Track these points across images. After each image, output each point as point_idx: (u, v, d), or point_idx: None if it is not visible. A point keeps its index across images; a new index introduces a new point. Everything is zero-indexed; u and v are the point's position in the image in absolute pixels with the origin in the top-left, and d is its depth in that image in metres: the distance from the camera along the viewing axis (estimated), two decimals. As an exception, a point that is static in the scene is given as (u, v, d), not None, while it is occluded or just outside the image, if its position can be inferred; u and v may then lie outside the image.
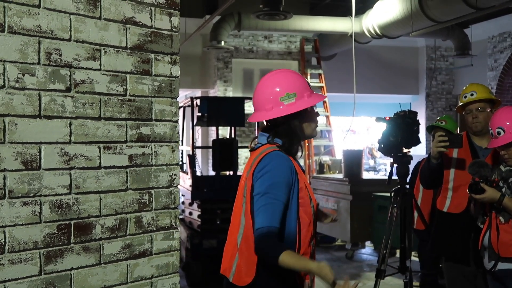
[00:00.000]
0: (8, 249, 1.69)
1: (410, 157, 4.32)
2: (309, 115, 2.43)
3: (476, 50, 11.84)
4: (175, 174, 2.10)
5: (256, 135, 2.55)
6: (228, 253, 2.44)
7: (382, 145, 4.38)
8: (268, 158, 2.30)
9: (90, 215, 1.88)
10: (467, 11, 7.99)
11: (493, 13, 9.79)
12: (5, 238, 1.68)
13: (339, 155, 11.55)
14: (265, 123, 2.47)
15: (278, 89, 2.35)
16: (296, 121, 2.38)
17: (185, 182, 7.44)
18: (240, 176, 2.53)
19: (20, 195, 1.71)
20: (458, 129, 5.35)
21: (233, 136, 7.62)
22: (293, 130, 2.38)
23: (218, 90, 11.55)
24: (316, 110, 2.50)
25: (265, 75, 2.48)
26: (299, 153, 2.45)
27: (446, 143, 3.55)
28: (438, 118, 5.43)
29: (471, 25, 11.65)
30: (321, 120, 12.68)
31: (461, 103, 3.80)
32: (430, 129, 5.36)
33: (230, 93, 11.64)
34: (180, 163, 8.17)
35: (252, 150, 2.48)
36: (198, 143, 9.13)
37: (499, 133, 3.18)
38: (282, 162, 2.30)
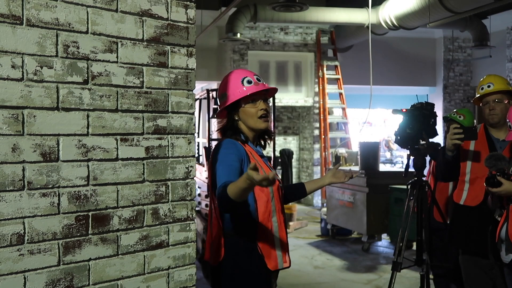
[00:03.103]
0: (28, 240, 1.71)
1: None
2: (245, 110, 2.64)
3: (494, 41, 11.71)
4: (191, 166, 2.11)
5: None
6: (208, 240, 2.73)
7: (398, 137, 4.36)
8: (216, 145, 2.63)
9: (107, 207, 1.89)
10: (486, 1, 7.90)
11: (512, 3, 9.65)
12: (24, 229, 1.71)
13: (355, 148, 11.52)
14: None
15: (220, 90, 2.71)
16: (234, 117, 2.66)
17: (201, 174, 7.47)
18: None
19: (39, 186, 1.73)
20: (475, 122, 5.29)
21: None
22: (230, 123, 2.67)
23: (234, 82, 11.54)
24: (264, 102, 2.66)
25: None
26: (264, 143, 2.78)
27: (461, 135, 3.52)
28: (456, 110, 5.37)
29: (489, 16, 11.52)
30: (337, 112, 12.65)
31: (478, 95, 3.77)
32: (445, 120, 5.31)
33: (246, 85, 11.62)
34: (196, 155, 8.20)
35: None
36: (214, 135, 9.15)
37: None
38: (227, 142, 2.58)
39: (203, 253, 7.13)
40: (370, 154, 8.34)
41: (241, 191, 2.21)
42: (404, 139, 4.31)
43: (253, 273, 2.57)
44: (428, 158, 4.44)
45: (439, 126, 10.95)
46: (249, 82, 2.62)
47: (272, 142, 8.13)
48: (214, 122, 8.92)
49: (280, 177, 11.14)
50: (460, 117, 5.16)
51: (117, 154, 1.92)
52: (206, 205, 7.25)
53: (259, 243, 2.57)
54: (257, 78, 2.65)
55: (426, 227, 4.32)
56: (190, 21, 2.10)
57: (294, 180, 13.35)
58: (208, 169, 2.65)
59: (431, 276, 5.50)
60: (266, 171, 2.60)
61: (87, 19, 1.84)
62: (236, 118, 2.66)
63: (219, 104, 2.72)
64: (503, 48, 11.98)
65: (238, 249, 2.56)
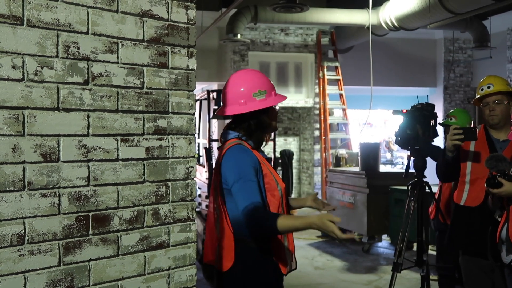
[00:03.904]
0: (28, 240, 1.71)
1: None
2: (273, 111, 2.68)
3: (495, 42, 11.71)
4: (191, 167, 2.11)
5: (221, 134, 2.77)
6: (209, 245, 2.71)
7: (399, 138, 4.36)
8: (229, 151, 2.53)
9: (108, 207, 1.89)
10: (486, 2, 7.90)
11: (513, 4, 9.65)
12: (25, 229, 1.71)
13: (355, 148, 11.51)
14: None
15: (251, 86, 2.57)
16: (265, 116, 2.62)
17: (201, 175, 7.47)
18: None
19: (39, 187, 1.73)
20: (472, 122, 5.29)
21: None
22: (262, 124, 2.62)
23: (234, 83, 11.55)
24: (277, 109, 2.75)
25: (235, 73, 2.70)
26: (263, 143, 2.72)
27: (461, 136, 3.53)
28: (448, 113, 5.36)
29: (490, 17, 11.52)
30: (337, 113, 12.65)
31: (478, 96, 3.77)
32: (442, 125, 5.31)
33: (246, 86, 11.62)
34: (197, 156, 8.20)
35: (218, 147, 2.73)
36: (215, 136, 9.16)
37: None
38: (243, 151, 2.53)
39: (203, 254, 7.11)
40: (370, 155, 8.34)
41: (296, 230, 2.37)
42: (405, 140, 4.32)
43: (268, 278, 2.56)
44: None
45: (440, 127, 10.95)
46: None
47: (272, 143, 8.13)
48: (214, 122, 8.92)
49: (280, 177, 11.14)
50: (451, 119, 5.16)
51: (118, 155, 1.92)
52: (206, 206, 7.25)
53: (273, 248, 2.57)
54: None
55: (427, 228, 4.32)
56: (190, 22, 2.10)
57: (295, 181, 13.34)
58: (216, 172, 2.60)
59: (435, 277, 5.51)
60: (275, 175, 2.61)
61: (88, 19, 1.84)
62: (266, 118, 2.63)
63: (252, 99, 2.56)
64: (504, 49, 11.97)
65: (252, 254, 2.53)
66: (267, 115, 2.63)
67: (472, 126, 5.01)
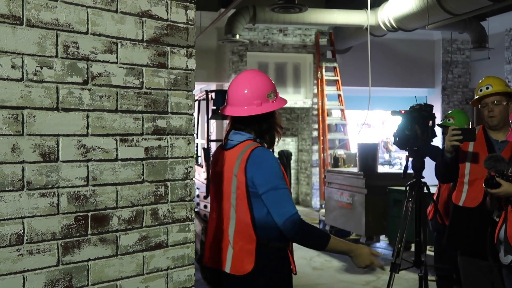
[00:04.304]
0: (27, 240, 1.71)
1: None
2: (279, 117, 2.71)
3: (493, 43, 11.73)
4: (190, 167, 2.11)
5: (226, 134, 2.74)
6: (215, 247, 2.64)
7: (397, 139, 4.37)
8: (258, 155, 2.51)
9: (107, 207, 1.89)
10: (484, 3, 7.92)
11: (511, 5, 9.67)
12: (24, 229, 1.71)
13: (354, 149, 11.52)
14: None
15: (264, 87, 2.59)
16: (274, 117, 2.65)
17: (200, 176, 7.47)
18: None
19: (38, 186, 1.73)
20: (470, 123, 5.30)
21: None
22: (274, 124, 2.65)
23: (233, 84, 11.55)
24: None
25: (244, 74, 2.70)
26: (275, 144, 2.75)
27: (460, 136, 3.54)
28: (446, 114, 5.37)
29: (488, 18, 11.54)
30: (336, 113, 12.66)
31: (477, 97, 3.78)
32: (440, 126, 5.32)
33: (244, 87, 11.62)
34: (195, 156, 8.20)
35: (225, 148, 2.68)
36: (213, 136, 9.16)
37: None
38: (271, 155, 2.55)
39: (202, 254, 7.12)
40: (368, 155, 8.35)
41: (339, 251, 2.56)
42: (403, 141, 4.32)
43: (286, 277, 2.61)
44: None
45: (438, 128, 10.93)
46: None
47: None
48: (213, 123, 8.93)
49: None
50: (449, 120, 5.17)
51: (117, 155, 1.92)
52: (205, 206, 7.25)
53: (288, 248, 2.62)
54: None
55: (425, 228, 4.33)
56: (190, 22, 2.10)
57: (293, 182, 13.35)
58: (243, 174, 2.52)
59: (433, 278, 5.51)
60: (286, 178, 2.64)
61: (87, 19, 1.84)
62: (275, 119, 2.67)
63: (266, 100, 2.59)
64: (502, 50, 11.99)
65: (272, 256, 2.55)
66: (275, 117, 2.66)
67: (470, 127, 5.02)
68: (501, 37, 12.03)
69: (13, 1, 1.67)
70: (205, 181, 6.89)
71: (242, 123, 2.65)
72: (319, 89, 12.32)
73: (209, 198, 7.06)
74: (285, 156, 12.70)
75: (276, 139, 2.70)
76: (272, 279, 2.54)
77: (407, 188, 4.46)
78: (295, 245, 2.66)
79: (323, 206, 9.97)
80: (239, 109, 2.60)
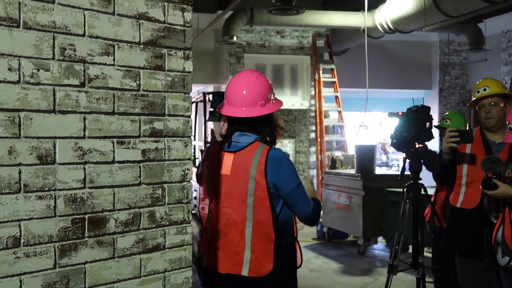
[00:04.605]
0: (24, 243, 1.71)
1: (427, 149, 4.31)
2: (278, 118, 2.77)
3: (490, 44, 11.74)
4: (187, 169, 2.11)
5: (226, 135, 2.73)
6: (229, 252, 2.60)
7: (394, 140, 4.37)
8: (275, 155, 2.56)
9: (104, 209, 1.89)
10: (481, 5, 7.92)
11: (508, 7, 9.71)
12: (20, 231, 1.70)
13: (351, 151, 11.52)
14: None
15: (265, 88, 2.62)
16: (276, 118, 2.71)
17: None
18: None
19: (35, 189, 1.73)
20: (467, 124, 5.30)
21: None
22: (277, 125, 2.71)
23: (230, 85, 11.54)
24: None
25: (243, 74, 2.69)
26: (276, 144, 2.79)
27: (457, 138, 3.54)
28: (443, 116, 5.38)
29: (485, 19, 11.56)
30: (333, 115, 12.67)
31: (474, 98, 3.78)
32: (437, 128, 5.32)
33: (242, 88, 11.61)
34: (193, 158, 8.19)
35: (229, 150, 2.65)
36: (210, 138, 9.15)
37: None
38: (286, 154, 2.63)
39: (199, 256, 7.09)
40: (366, 157, 8.35)
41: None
42: (400, 142, 4.33)
43: (296, 270, 2.73)
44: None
45: (435, 130, 10.90)
46: None
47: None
48: (210, 125, 8.92)
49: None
50: (446, 121, 5.18)
51: (114, 157, 1.92)
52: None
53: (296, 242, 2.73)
54: None
55: (422, 230, 4.33)
56: (187, 24, 2.10)
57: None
58: (263, 176, 2.54)
59: (430, 280, 5.52)
60: None
61: (84, 22, 1.84)
62: (276, 120, 2.71)
63: (269, 100, 2.63)
64: (498, 51, 12.02)
65: (288, 252, 2.64)
66: (275, 116, 2.71)
67: (467, 128, 5.02)
68: (497, 38, 12.05)
69: (10, 3, 1.67)
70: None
71: (244, 124, 2.63)
72: (317, 90, 12.32)
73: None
74: (282, 157, 12.67)
75: (277, 140, 2.75)
76: (291, 274, 2.64)
77: (405, 189, 4.46)
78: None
79: (321, 207, 9.97)
80: (243, 109, 2.58)
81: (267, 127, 2.65)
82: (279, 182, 2.53)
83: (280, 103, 2.67)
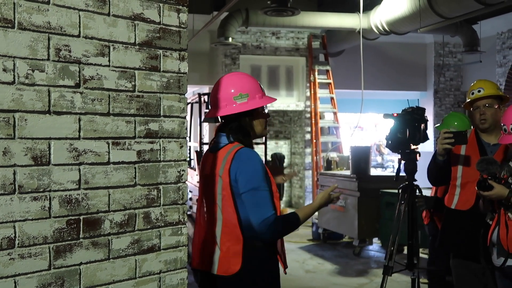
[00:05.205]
0: (18, 244, 1.70)
1: (418, 154, 4.32)
2: (260, 114, 2.68)
3: (484, 46, 11.78)
4: (183, 170, 2.11)
5: (214, 136, 2.77)
6: (201, 248, 2.66)
7: (389, 142, 4.38)
8: (242, 155, 2.53)
9: (99, 211, 1.89)
10: (476, 7, 7.95)
11: (502, 9, 9.74)
12: (15, 232, 1.70)
13: (346, 152, 11.53)
14: (219, 120, 2.75)
15: (233, 89, 2.59)
16: (246, 119, 2.63)
17: (192, 179, 7.46)
18: None
19: (29, 190, 1.72)
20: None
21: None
22: (243, 126, 2.62)
23: (225, 87, 11.53)
24: (267, 112, 2.75)
25: (222, 76, 2.72)
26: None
27: (451, 140, 3.55)
28: (447, 120, 5.31)
29: (479, 21, 11.59)
30: (328, 116, 12.68)
31: (469, 100, 3.79)
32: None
33: (237, 90, 11.61)
34: (188, 159, 8.19)
35: (212, 151, 2.69)
36: (206, 139, 9.15)
37: None
38: (255, 156, 2.55)
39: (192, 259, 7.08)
40: (361, 158, 8.36)
41: (310, 216, 2.70)
42: (395, 144, 4.33)
43: (274, 277, 2.62)
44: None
45: (430, 131, 10.98)
46: (263, 90, 2.70)
47: (263, 146, 8.11)
48: (205, 126, 8.93)
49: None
50: (455, 123, 5.17)
51: (109, 158, 1.91)
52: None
53: (278, 248, 2.64)
54: None
55: (417, 231, 4.34)
56: (182, 25, 2.10)
57: (286, 185, 13.34)
58: (227, 175, 2.53)
59: (425, 281, 5.52)
60: (272, 179, 2.65)
61: (79, 22, 1.84)
62: (251, 123, 2.65)
63: (232, 103, 2.59)
64: (493, 53, 12.06)
65: (259, 255, 2.56)
66: (249, 118, 2.64)
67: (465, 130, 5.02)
68: (492, 40, 12.09)
69: (5, 4, 1.67)
70: (198, 184, 6.87)
71: (224, 125, 2.68)
72: (312, 92, 12.33)
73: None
74: (278, 159, 12.70)
75: (259, 139, 2.74)
76: (259, 279, 2.55)
77: (400, 190, 4.46)
78: (288, 248, 2.69)
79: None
80: (209, 111, 2.68)
81: (234, 126, 2.63)
82: (238, 181, 2.50)
83: (252, 105, 2.58)
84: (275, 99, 2.74)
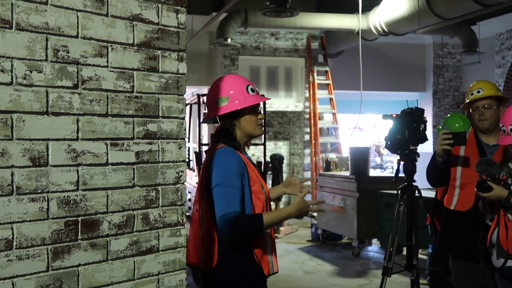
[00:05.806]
0: (16, 245, 1.70)
1: (417, 155, 4.31)
2: (247, 114, 2.66)
3: (483, 47, 11.79)
4: (181, 171, 2.11)
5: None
6: (193, 245, 2.73)
7: (389, 143, 4.37)
8: (217, 153, 2.58)
9: (97, 212, 1.88)
10: (475, 8, 7.95)
11: (501, 9, 9.75)
12: (13, 234, 1.69)
13: (345, 153, 11.53)
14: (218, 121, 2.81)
15: (214, 93, 2.66)
16: (228, 120, 2.65)
17: (191, 180, 7.46)
18: None
19: (27, 191, 1.72)
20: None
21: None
22: (227, 128, 2.65)
23: (224, 87, 11.53)
24: (260, 111, 2.76)
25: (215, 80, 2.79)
26: (246, 148, 2.77)
27: (450, 141, 3.55)
28: (449, 121, 5.30)
29: (478, 22, 11.61)
30: (327, 117, 12.68)
31: (468, 100, 3.79)
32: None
33: (236, 90, 11.61)
34: (187, 160, 8.19)
35: (206, 152, 2.81)
36: (205, 140, 9.14)
37: None
38: (231, 154, 2.57)
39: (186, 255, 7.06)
40: (360, 159, 8.36)
41: (278, 222, 2.64)
42: (394, 144, 4.33)
43: (250, 279, 2.60)
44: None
45: (429, 132, 10.96)
46: (253, 90, 2.68)
47: (262, 147, 8.11)
48: (204, 127, 8.93)
49: (270, 182, 11.14)
50: (456, 125, 5.17)
51: (107, 159, 1.91)
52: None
53: (255, 249, 2.60)
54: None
55: (416, 232, 4.33)
56: (181, 26, 2.10)
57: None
58: (202, 174, 2.64)
59: (425, 281, 5.52)
60: (260, 179, 2.67)
61: (77, 23, 1.83)
62: (234, 124, 2.66)
63: (214, 107, 2.65)
64: (492, 54, 12.06)
65: (234, 255, 2.58)
66: (233, 120, 2.65)
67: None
68: (491, 41, 12.10)
69: (2, 4, 1.66)
70: (196, 185, 6.87)
71: (218, 127, 2.76)
72: (311, 93, 12.34)
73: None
74: (277, 159, 12.68)
75: (248, 144, 2.77)
76: (233, 278, 2.57)
77: (399, 191, 4.46)
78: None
79: (315, 210, 9.96)
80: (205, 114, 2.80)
81: (219, 128, 2.69)
82: (210, 179, 2.54)
83: (230, 108, 2.59)
84: (263, 100, 2.76)
